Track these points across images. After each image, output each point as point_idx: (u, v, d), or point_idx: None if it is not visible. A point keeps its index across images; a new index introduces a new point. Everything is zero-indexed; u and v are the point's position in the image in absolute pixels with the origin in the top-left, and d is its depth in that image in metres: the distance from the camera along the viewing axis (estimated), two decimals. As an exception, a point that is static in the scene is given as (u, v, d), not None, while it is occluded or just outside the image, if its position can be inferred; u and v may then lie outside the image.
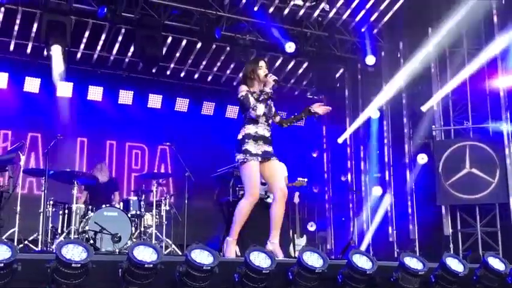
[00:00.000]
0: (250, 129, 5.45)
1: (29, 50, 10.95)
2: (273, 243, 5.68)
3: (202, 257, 3.99)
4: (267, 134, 5.50)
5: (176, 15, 10.81)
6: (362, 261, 4.45)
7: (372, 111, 11.87)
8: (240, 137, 5.47)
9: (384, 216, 11.50)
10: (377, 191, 11.64)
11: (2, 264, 3.42)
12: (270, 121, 5.59)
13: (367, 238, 11.65)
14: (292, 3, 10.87)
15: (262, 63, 5.60)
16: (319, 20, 11.48)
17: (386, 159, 11.78)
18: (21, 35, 10.64)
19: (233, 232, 5.74)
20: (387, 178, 11.64)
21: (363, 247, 11.26)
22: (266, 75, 5.51)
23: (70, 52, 10.52)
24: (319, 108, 5.89)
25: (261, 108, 5.40)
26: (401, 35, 11.57)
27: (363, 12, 11.24)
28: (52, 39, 9.67)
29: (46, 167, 8.12)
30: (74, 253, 3.63)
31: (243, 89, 5.48)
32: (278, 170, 5.57)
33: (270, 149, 5.50)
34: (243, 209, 5.66)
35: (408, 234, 11.00)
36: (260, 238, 9.03)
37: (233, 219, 5.75)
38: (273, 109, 5.63)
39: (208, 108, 12.57)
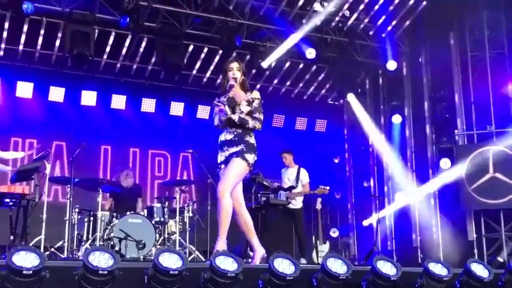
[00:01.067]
0: (219, 138, 5.42)
1: (53, 60, 11.13)
2: (217, 241, 5.41)
3: (226, 263, 4.01)
4: (229, 136, 5.31)
5: (197, 24, 10.91)
6: (386, 268, 4.44)
7: (394, 116, 11.82)
8: None
9: (407, 222, 11.43)
10: (400, 196, 11.57)
11: (31, 272, 3.47)
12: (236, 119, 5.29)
13: (391, 244, 11.58)
14: (312, 10, 10.87)
15: (232, 65, 5.42)
16: (340, 26, 11.49)
17: (409, 165, 11.71)
18: (46, 45, 10.82)
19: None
20: (410, 183, 11.56)
21: (387, 253, 11.21)
22: (229, 80, 5.36)
23: (93, 62, 10.66)
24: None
25: (215, 120, 5.39)
26: (422, 39, 11.54)
27: (383, 17, 11.22)
28: (76, 49, 9.82)
29: (71, 175, 8.22)
30: (101, 260, 3.68)
31: (216, 101, 5.44)
32: (226, 168, 5.28)
33: (237, 148, 5.27)
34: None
35: (432, 239, 10.92)
36: (283, 244, 9.11)
37: None
38: (242, 108, 5.32)
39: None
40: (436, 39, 11.09)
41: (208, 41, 11.17)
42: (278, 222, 9.52)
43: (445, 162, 10.65)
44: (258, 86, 12.68)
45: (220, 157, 5.36)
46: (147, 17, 10.24)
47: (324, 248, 10.50)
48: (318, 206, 10.45)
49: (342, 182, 13.01)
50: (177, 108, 12.15)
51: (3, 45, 10.62)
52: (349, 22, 11.32)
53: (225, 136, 5.34)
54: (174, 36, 10.51)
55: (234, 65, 5.41)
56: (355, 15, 11.22)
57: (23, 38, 10.51)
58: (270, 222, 9.39)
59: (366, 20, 11.37)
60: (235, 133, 5.33)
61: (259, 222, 9.09)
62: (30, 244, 7.33)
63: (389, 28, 11.43)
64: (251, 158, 5.33)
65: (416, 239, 11.28)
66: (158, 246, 8.06)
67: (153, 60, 11.42)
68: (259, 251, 5.52)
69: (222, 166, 5.32)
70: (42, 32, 10.47)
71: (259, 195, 9.32)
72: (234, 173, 5.24)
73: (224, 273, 3.93)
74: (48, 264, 3.60)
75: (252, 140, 5.40)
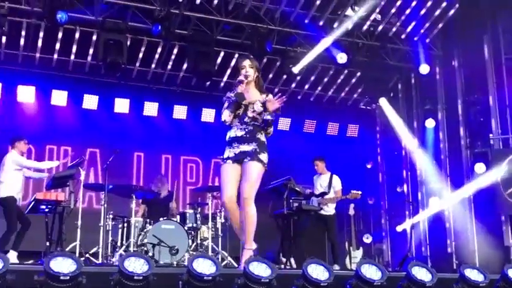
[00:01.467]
0: (227, 135, 5.37)
1: (87, 68, 11.31)
2: (243, 249, 5.25)
3: (260, 269, 4.01)
4: (241, 132, 5.24)
5: (228, 30, 10.97)
6: (421, 274, 4.39)
7: (427, 120, 11.69)
8: None
9: (442, 228, 11.28)
10: (434, 202, 11.43)
11: (68, 277, 3.52)
12: (248, 119, 5.24)
13: (425, 250, 11.44)
14: (343, 14, 10.84)
15: (244, 63, 5.36)
16: (371, 30, 11.42)
17: (443, 170, 11.56)
18: (79, 54, 11.00)
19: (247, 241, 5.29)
20: (444, 189, 11.41)
21: (421, 259, 11.06)
22: (239, 76, 5.31)
23: (126, 69, 10.79)
24: (272, 106, 5.21)
25: (224, 114, 5.28)
26: (455, 42, 11.40)
27: (415, 20, 11.11)
28: (109, 57, 9.96)
29: (106, 181, 8.32)
30: (136, 266, 3.71)
31: (226, 95, 5.37)
32: (245, 173, 5.19)
33: (249, 147, 5.20)
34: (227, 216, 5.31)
35: (467, 245, 10.75)
36: (315, 250, 9.06)
37: None
38: (254, 107, 5.26)
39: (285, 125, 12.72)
40: (469, 42, 10.95)
41: (239, 48, 11.21)
42: (310, 228, 9.47)
43: (479, 167, 10.47)
44: (288, 92, 12.68)
45: (229, 152, 5.26)
46: (178, 24, 10.34)
47: (357, 254, 10.42)
48: (351, 212, 10.39)
49: (375, 187, 12.91)
50: (208, 115, 12.21)
51: (38, 55, 10.84)
52: (381, 26, 11.24)
53: (235, 132, 5.28)
54: (205, 43, 10.59)
55: (246, 63, 5.36)
56: (386, 19, 11.13)
57: (57, 47, 10.70)
58: (302, 228, 9.35)
59: (398, 24, 11.27)
60: (246, 130, 5.27)
61: (291, 228, 9.07)
62: (66, 250, 7.43)
63: (421, 31, 11.31)
64: (265, 157, 5.28)
65: (451, 245, 11.12)
66: (191, 252, 8.10)
67: (184, 67, 11.51)
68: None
69: (230, 162, 5.23)
70: (75, 40, 10.64)
71: (291, 201, 9.29)
72: (255, 179, 5.20)
73: (258, 279, 3.93)
74: (84, 270, 3.65)
75: (263, 137, 5.33)
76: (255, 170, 5.19)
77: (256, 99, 5.31)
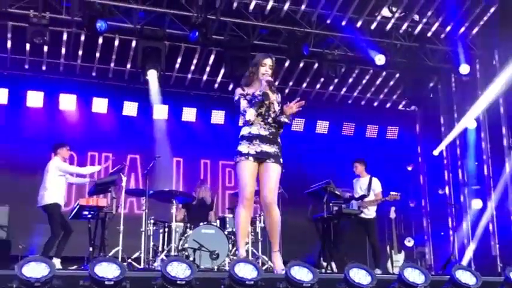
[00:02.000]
0: (244, 130, 5.24)
1: (126, 76, 11.47)
2: (273, 252, 5.22)
3: (301, 273, 4.00)
4: (265, 132, 5.18)
5: (264, 35, 10.99)
6: (466, 277, 4.32)
7: (468, 121, 11.50)
8: (238, 140, 5.30)
9: (485, 230, 11.07)
10: (477, 203, 11.23)
11: (113, 282, 3.58)
12: (271, 119, 5.21)
13: (469, 253, 11.24)
14: (380, 15, 10.75)
15: (266, 61, 5.26)
16: (409, 31, 11.29)
17: (485, 171, 11.35)
18: (119, 61, 11.16)
19: (237, 244, 5.25)
20: (487, 190, 11.20)
21: (464, 262, 10.87)
22: (263, 75, 5.22)
23: (165, 76, 10.91)
24: (289, 110, 5.24)
25: (249, 113, 5.14)
26: (496, 41, 11.18)
27: (454, 20, 10.94)
28: (148, 64, 10.09)
29: (146, 187, 8.41)
30: (179, 270, 3.74)
31: (237, 93, 5.27)
32: (267, 176, 5.16)
33: (271, 149, 5.17)
34: (237, 215, 5.22)
35: (512, 247, 10.53)
36: (356, 254, 8.99)
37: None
38: (275, 107, 5.24)
39: (298, 125, 12.60)
40: (510, 40, 10.72)
41: (276, 51, 11.16)
42: (351, 232, 9.40)
43: (523, 167, 10.26)
44: (326, 95, 12.64)
45: (248, 149, 5.15)
46: (215, 30, 10.41)
47: (399, 257, 10.29)
48: (392, 215, 10.26)
49: (416, 190, 12.75)
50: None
51: (79, 63, 11.04)
52: (419, 26, 11.10)
53: (258, 130, 5.18)
54: (241, 48, 10.64)
55: (268, 62, 5.28)
56: (425, 19, 10.98)
57: (97, 55, 10.89)
58: (342, 232, 9.28)
59: (437, 24, 11.11)
60: (270, 130, 5.22)
61: (331, 232, 9.02)
62: (109, 255, 7.53)
63: (461, 31, 11.12)
64: (282, 160, 5.27)
65: (495, 247, 10.89)
66: (231, 257, 8.12)
67: (221, 72, 11.57)
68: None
69: (251, 159, 5.13)
70: (115, 48, 10.80)
71: (331, 204, 9.23)
72: (277, 182, 5.20)
73: (299, 284, 3.92)
74: (128, 275, 3.70)
75: (280, 140, 5.33)
76: (278, 173, 5.20)
77: (272, 99, 5.28)
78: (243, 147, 5.17)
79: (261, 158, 5.15)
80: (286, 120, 5.24)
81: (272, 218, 5.16)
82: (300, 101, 5.27)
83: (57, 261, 7.98)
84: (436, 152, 12.14)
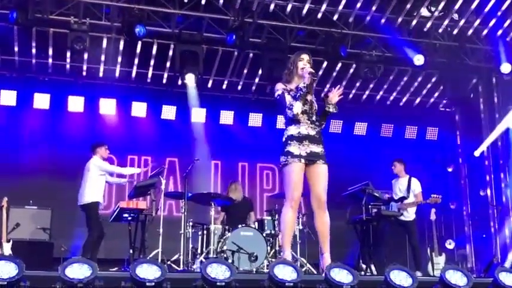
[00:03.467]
0: (291, 130, 5.21)
1: (164, 80, 11.59)
2: (323, 255, 5.17)
3: (341, 275, 3.99)
4: (313, 132, 5.18)
5: (301, 37, 10.98)
6: (510, 279, 4.24)
7: (510, 121, 11.26)
8: (283, 139, 5.24)
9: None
10: (520, 205, 11.00)
11: (153, 284, 3.62)
12: (315, 118, 5.24)
13: (512, 255, 11.01)
14: (419, 15, 10.61)
15: (304, 56, 5.35)
16: (448, 30, 11.13)
17: (528, 172, 11.11)
18: (157, 65, 11.29)
19: (283, 245, 5.24)
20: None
21: (507, 264, 10.64)
22: (303, 69, 5.23)
23: (203, 79, 10.99)
24: (334, 97, 5.27)
25: (297, 106, 5.11)
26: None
27: (495, 18, 10.74)
28: (186, 68, 10.19)
29: (185, 189, 8.46)
30: (218, 272, 3.77)
31: (278, 87, 5.26)
32: (319, 176, 5.15)
33: (318, 149, 5.18)
34: (285, 216, 5.17)
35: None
36: (396, 256, 8.89)
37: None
38: (315, 105, 5.29)
39: (336, 127, 12.53)
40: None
41: (313, 53, 10.91)
42: (391, 234, 9.31)
43: None
44: (364, 96, 12.54)
45: (299, 150, 5.13)
46: (252, 33, 10.44)
47: (440, 260, 10.14)
48: (433, 217, 10.12)
49: (457, 191, 12.54)
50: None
51: (118, 68, 11.20)
52: (459, 25, 10.92)
53: (307, 130, 5.19)
54: (279, 50, 10.64)
55: (305, 57, 5.36)
56: (464, 18, 10.81)
57: (136, 60, 11.03)
58: (382, 234, 9.19)
59: (477, 23, 10.92)
60: (316, 129, 5.25)
61: (370, 235, 8.94)
62: (149, 257, 7.60)
63: (501, 29, 10.90)
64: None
65: (540, 250, 10.65)
66: (270, 259, 8.11)
67: (259, 75, 11.59)
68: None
69: (302, 161, 5.11)
70: (153, 53, 10.93)
71: (369, 206, 9.15)
72: (327, 182, 5.20)
73: (340, 286, 3.91)
74: (168, 276, 3.74)
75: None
76: (327, 174, 5.20)
77: (312, 97, 5.30)
78: (294, 148, 5.15)
79: (310, 159, 5.15)
80: (334, 110, 5.27)
81: (324, 219, 5.18)
82: (338, 88, 5.28)
83: None
84: (477, 153, 11.91)
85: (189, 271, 7.82)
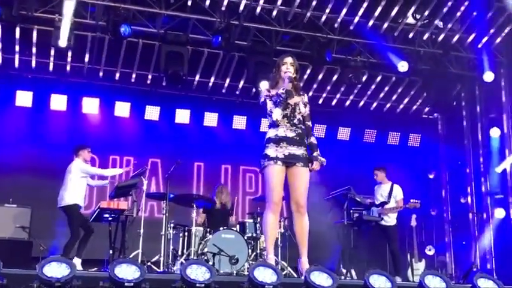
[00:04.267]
0: (270, 133, 5.19)
1: (149, 80, 11.54)
2: (300, 258, 5.12)
3: (321, 279, 3.99)
4: (291, 134, 5.12)
5: (287, 40, 10.99)
6: (488, 286, 4.27)
7: (492, 129, 11.36)
8: (264, 142, 5.23)
9: (508, 239, 10.92)
10: (500, 213, 11.09)
11: (132, 284, 3.60)
12: (297, 121, 5.17)
13: (491, 262, 11.09)
14: (404, 22, 10.68)
15: (287, 60, 5.27)
16: (433, 38, 11.21)
17: (508, 180, 11.20)
18: (142, 65, 11.24)
19: (267, 249, 5.20)
20: (510, 199, 11.05)
21: (486, 272, 10.72)
22: (285, 73, 5.18)
23: (187, 81, 10.96)
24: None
25: (276, 113, 5.08)
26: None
27: (479, 27, 10.83)
28: (170, 69, 10.15)
29: (167, 191, 8.43)
30: (198, 273, 3.75)
31: (262, 94, 5.26)
32: (297, 179, 5.09)
33: (299, 151, 5.11)
34: (265, 219, 5.13)
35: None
36: (376, 261, 8.93)
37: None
38: (301, 108, 5.21)
39: (319, 131, 12.55)
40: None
41: (298, 57, 10.92)
42: (371, 239, 9.36)
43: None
44: (348, 102, 12.58)
45: (276, 152, 5.09)
46: (238, 35, 10.43)
47: (420, 266, 10.19)
48: (413, 223, 10.18)
49: (438, 198, 12.63)
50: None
51: (102, 67, 11.14)
52: (443, 34, 11.01)
53: (285, 132, 5.13)
54: (264, 53, 10.64)
55: (288, 60, 5.29)
56: (449, 26, 10.89)
57: (120, 59, 10.98)
58: (362, 239, 9.24)
59: (461, 31, 11.01)
60: (296, 132, 5.18)
61: (351, 239, 8.98)
62: (128, 258, 7.56)
63: (485, 38, 11.00)
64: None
65: (519, 258, 10.74)
66: (251, 262, 8.10)
67: (243, 77, 11.59)
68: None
69: (279, 163, 5.07)
70: (138, 53, 10.88)
71: (351, 211, 9.20)
72: (307, 185, 5.15)
73: (319, 289, 3.90)
74: (147, 277, 3.71)
75: (306, 142, 5.27)
76: (308, 177, 5.15)
77: (298, 100, 5.24)
78: (271, 151, 5.12)
79: (289, 161, 5.10)
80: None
81: (303, 223, 5.12)
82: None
83: (78, 261, 8.06)
84: (498, 170, 11.59)
85: (169, 272, 7.79)
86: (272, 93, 5.23)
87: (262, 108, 5.30)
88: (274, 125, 5.18)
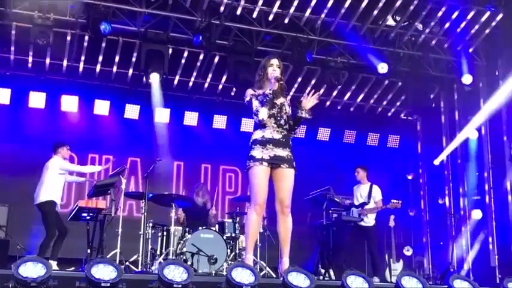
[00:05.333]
0: (256, 134, 5.23)
1: (128, 79, 11.48)
2: (282, 259, 5.16)
3: (299, 280, 4.00)
4: (278, 136, 5.17)
5: (268, 41, 11.01)
6: (463, 287, 4.32)
7: (469, 131, 11.49)
8: (250, 143, 5.26)
9: (484, 241, 11.05)
10: (476, 214, 11.21)
11: (109, 284, 3.58)
12: (283, 122, 5.23)
13: (467, 263, 11.21)
14: (384, 24, 10.75)
15: (273, 61, 5.33)
16: (412, 40, 11.30)
17: (486, 181, 11.33)
18: (122, 64, 11.17)
19: (246, 248, 5.24)
20: (487, 201, 11.19)
21: (463, 272, 10.84)
22: (272, 74, 5.24)
23: (167, 79, 10.92)
24: (308, 103, 5.29)
25: (262, 112, 5.11)
26: (499, 52, 11.18)
27: (458, 30, 10.93)
28: (151, 68, 10.10)
29: (146, 190, 8.40)
30: (175, 274, 3.74)
31: (247, 94, 5.28)
32: (281, 180, 5.14)
33: (284, 153, 5.16)
34: (248, 219, 5.20)
35: (511, 258, 10.49)
36: (355, 262, 8.97)
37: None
38: (286, 109, 5.29)
39: (300, 131, 12.52)
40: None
41: (279, 57, 11.20)
42: (350, 239, 9.40)
43: (524, 179, 10.24)
44: (328, 102, 12.63)
45: (262, 154, 5.13)
46: (219, 35, 10.41)
47: (397, 266, 10.28)
48: (391, 224, 10.26)
49: (416, 199, 12.72)
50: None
51: (82, 64, 11.05)
52: (423, 36, 11.10)
53: (271, 134, 5.18)
54: (245, 53, 10.65)
55: (275, 62, 5.35)
56: (428, 29, 10.98)
57: (100, 57, 10.90)
58: (341, 239, 9.28)
59: (440, 33, 11.11)
60: (283, 133, 5.23)
61: (330, 240, 9.01)
62: (106, 257, 7.51)
63: (464, 41, 11.12)
64: (295, 164, 5.26)
65: (494, 258, 10.86)
66: (229, 262, 8.10)
67: (224, 77, 11.58)
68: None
69: (265, 164, 5.11)
70: (118, 51, 10.82)
71: (330, 211, 9.23)
72: (292, 186, 5.19)
73: (297, 290, 3.91)
74: (124, 277, 3.69)
75: (291, 143, 5.32)
76: (293, 178, 5.19)
77: (284, 101, 5.30)
78: (257, 152, 5.16)
79: (274, 163, 5.14)
80: (307, 115, 5.24)
81: (287, 223, 5.17)
82: (316, 92, 5.28)
83: (53, 264, 7.97)
84: (436, 162, 12.10)
85: (147, 272, 7.76)
86: (258, 92, 5.26)
87: (247, 108, 5.32)
88: (260, 126, 5.22)
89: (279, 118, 5.23)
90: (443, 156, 12.12)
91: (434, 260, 12.17)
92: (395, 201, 9.22)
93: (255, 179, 5.12)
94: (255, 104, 5.17)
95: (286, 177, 5.16)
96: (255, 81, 5.42)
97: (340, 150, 12.64)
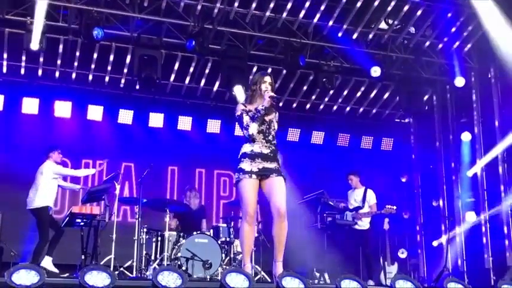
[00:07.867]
0: (246, 147, 5.36)
1: (122, 84, 11.47)
2: (276, 262, 5.18)
3: (293, 284, 4.00)
4: (266, 150, 5.32)
5: (261, 45, 11.03)
6: (458, 290, 4.32)
7: (463, 133, 11.52)
8: (238, 156, 5.39)
9: (479, 243, 11.07)
10: (471, 216, 11.23)
11: (102, 291, 3.57)
12: (271, 137, 5.39)
13: (462, 265, 11.23)
14: (377, 27, 10.78)
15: (266, 79, 5.45)
16: (405, 43, 11.33)
17: (480, 183, 11.36)
18: (115, 69, 11.16)
19: (243, 259, 5.28)
20: (481, 203, 11.21)
21: (458, 275, 10.86)
22: (265, 91, 5.35)
23: (161, 84, 10.91)
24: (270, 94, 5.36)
25: (253, 127, 5.27)
26: (491, 54, 11.22)
27: (450, 33, 10.97)
28: (144, 73, 10.09)
29: (140, 195, 8.40)
30: (169, 280, 3.74)
31: (238, 109, 5.40)
32: (273, 188, 5.25)
33: (272, 165, 5.31)
34: (242, 231, 5.31)
35: (505, 261, 10.52)
36: (349, 265, 8.98)
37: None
38: (275, 125, 5.44)
39: (293, 135, 12.61)
40: (506, 54, 10.75)
41: (272, 62, 11.24)
42: (344, 243, 9.41)
43: (517, 181, 10.26)
44: (322, 106, 12.65)
45: (251, 166, 5.26)
46: (212, 39, 10.42)
47: (392, 269, 10.29)
48: (386, 227, 10.27)
49: (410, 201, 12.73)
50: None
51: (74, 70, 11.03)
52: (415, 39, 11.14)
53: (260, 148, 5.32)
54: (238, 57, 10.66)
55: (268, 79, 5.46)
56: (421, 32, 11.02)
57: (93, 63, 10.89)
58: (336, 243, 9.28)
59: (433, 36, 11.15)
60: (271, 148, 5.37)
61: (325, 243, 9.02)
62: (101, 263, 7.49)
63: (456, 44, 11.16)
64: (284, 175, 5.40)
65: (489, 260, 10.88)
66: (224, 266, 8.09)
67: (218, 81, 11.58)
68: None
69: (254, 176, 5.24)
70: (111, 56, 10.81)
71: (324, 215, 9.24)
72: (285, 192, 5.29)
73: (291, 294, 3.91)
74: (118, 284, 3.69)
75: (279, 158, 5.45)
76: (284, 185, 5.30)
77: (273, 117, 5.43)
78: (245, 165, 5.29)
79: (263, 174, 5.27)
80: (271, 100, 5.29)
81: (283, 228, 5.23)
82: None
83: (48, 260, 8.00)
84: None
85: (141, 278, 7.74)
86: (249, 108, 5.37)
87: (238, 122, 5.43)
88: (249, 140, 5.35)
89: (267, 134, 5.38)
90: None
91: (428, 262, 12.17)
92: (390, 206, 9.23)
93: (244, 192, 5.26)
94: (246, 119, 5.32)
95: (278, 184, 5.28)
96: (246, 96, 5.57)
97: (334, 154, 12.65)
